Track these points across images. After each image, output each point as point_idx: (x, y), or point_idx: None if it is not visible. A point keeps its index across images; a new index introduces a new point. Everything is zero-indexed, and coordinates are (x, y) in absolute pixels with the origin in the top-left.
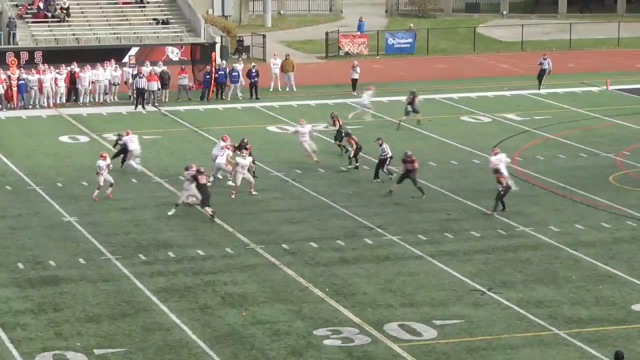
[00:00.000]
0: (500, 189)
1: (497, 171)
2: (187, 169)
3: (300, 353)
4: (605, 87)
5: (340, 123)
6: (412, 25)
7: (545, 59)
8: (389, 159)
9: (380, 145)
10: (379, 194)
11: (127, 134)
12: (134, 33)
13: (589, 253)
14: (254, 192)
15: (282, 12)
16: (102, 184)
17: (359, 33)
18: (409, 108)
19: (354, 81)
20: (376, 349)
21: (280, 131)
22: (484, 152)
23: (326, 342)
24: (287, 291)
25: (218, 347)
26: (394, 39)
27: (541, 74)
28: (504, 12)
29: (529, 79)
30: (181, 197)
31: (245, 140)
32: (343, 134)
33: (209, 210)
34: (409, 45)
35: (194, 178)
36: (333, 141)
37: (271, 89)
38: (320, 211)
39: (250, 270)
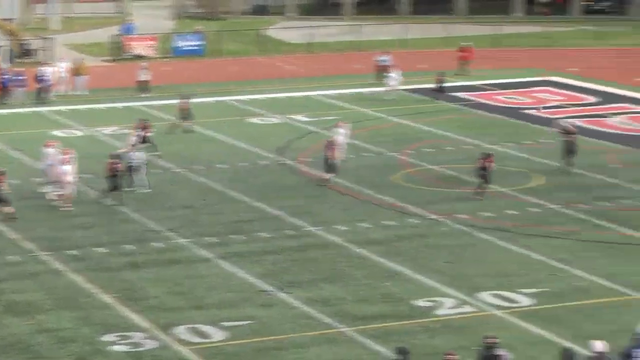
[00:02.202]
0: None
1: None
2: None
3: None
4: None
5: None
6: (200, 27)
7: (386, 58)
8: (142, 166)
9: (128, 155)
10: (169, 197)
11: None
12: None
13: (374, 251)
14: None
15: (69, 14)
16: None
17: (147, 35)
18: None
19: (142, 83)
20: (165, 353)
21: (66, 135)
22: (272, 153)
23: (114, 347)
24: (75, 298)
25: (3, 357)
26: (183, 41)
27: (380, 71)
28: (291, 15)
29: (317, 81)
30: None
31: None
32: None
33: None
34: (198, 48)
35: None
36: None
37: (58, 93)
38: (110, 216)
39: (36, 278)
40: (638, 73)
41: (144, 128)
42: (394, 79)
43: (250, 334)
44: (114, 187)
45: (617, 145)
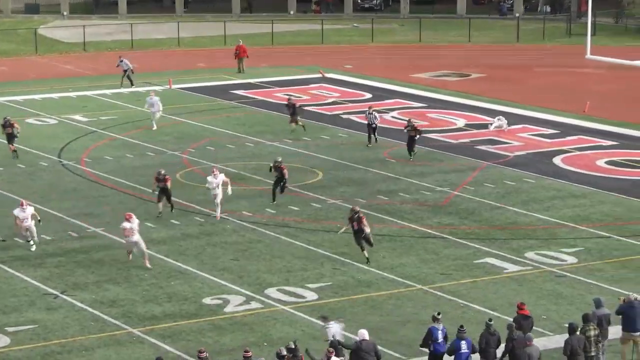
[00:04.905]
0: None
1: None
2: None
3: None
4: (168, 87)
5: None
6: None
7: (122, 60)
8: None
9: None
10: None
11: None
12: None
13: (160, 250)
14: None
15: None
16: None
17: None
18: None
19: None
20: None
21: None
22: (51, 154)
23: None
24: None
25: None
26: None
27: (124, 74)
28: (65, 13)
29: (94, 80)
30: None
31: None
32: None
33: None
34: None
35: None
36: None
37: None
38: None
39: None
40: (410, 69)
41: None
42: (151, 103)
43: (35, 338)
44: None
45: (388, 139)
